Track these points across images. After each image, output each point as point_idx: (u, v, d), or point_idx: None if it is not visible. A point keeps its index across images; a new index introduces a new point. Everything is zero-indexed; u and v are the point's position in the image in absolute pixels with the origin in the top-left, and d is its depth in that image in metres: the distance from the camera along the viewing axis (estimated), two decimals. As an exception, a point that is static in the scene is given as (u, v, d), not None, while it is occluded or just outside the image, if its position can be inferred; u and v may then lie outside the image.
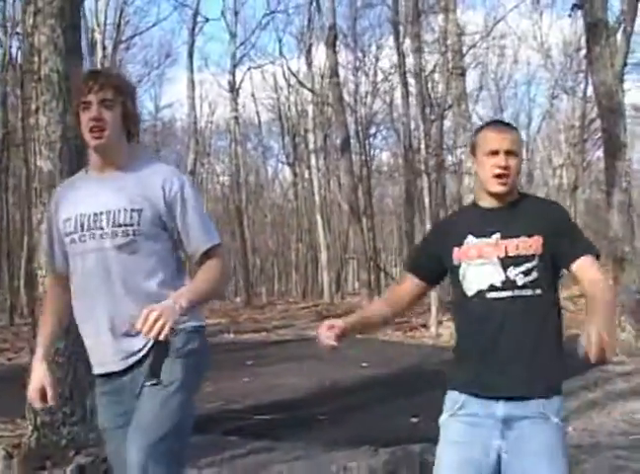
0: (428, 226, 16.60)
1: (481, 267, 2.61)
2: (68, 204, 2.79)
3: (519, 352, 2.55)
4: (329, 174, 33.95)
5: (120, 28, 27.85)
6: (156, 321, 2.42)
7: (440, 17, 20.55)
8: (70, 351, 5.57)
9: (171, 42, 62.19)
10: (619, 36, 13.36)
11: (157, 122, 39.64)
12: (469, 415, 2.61)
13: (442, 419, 2.70)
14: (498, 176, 2.63)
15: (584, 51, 22.63)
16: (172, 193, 2.72)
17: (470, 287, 2.64)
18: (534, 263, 2.56)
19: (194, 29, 27.53)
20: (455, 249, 2.68)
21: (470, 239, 2.66)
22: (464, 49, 18.35)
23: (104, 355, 2.76)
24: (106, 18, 25.77)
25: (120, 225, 2.66)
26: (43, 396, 2.82)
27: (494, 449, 2.56)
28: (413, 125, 24.79)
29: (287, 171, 41.30)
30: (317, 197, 31.46)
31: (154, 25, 42.41)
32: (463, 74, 16.64)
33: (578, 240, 2.63)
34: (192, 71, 27.62)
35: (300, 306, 27.18)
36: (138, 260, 2.69)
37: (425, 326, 15.88)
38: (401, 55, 24.27)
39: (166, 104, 67.36)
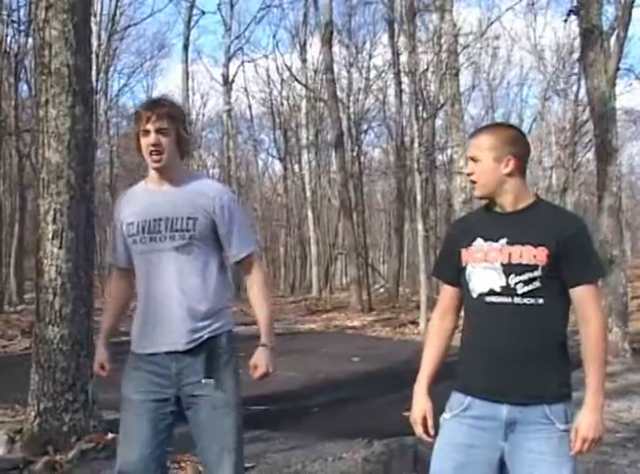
0: (419, 224, 16.74)
1: (484, 270, 2.63)
2: (132, 210, 3.20)
3: (519, 358, 2.56)
4: (320, 169, 34.01)
5: (115, 18, 27.84)
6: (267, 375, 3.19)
7: (435, 16, 20.68)
8: (74, 339, 5.69)
9: (165, 34, 62.15)
10: (612, 41, 13.55)
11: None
12: (474, 417, 2.63)
13: (446, 417, 2.73)
14: (472, 182, 2.72)
15: (576, 55, 22.84)
16: (221, 205, 3.15)
17: (474, 289, 2.67)
18: (537, 273, 2.55)
19: (189, 21, 27.51)
20: (464, 250, 2.70)
21: (478, 242, 2.66)
22: (458, 49, 18.44)
23: (154, 337, 3.12)
24: (102, 8, 25.79)
25: (177, 230, 3.09)
26: (103, 369, 3.33)
27: (497, 451, 2.60)
28: (405, 123, 24.97)
29: (277, 165, 41.38)
30: (308, 193, 31.54)
31: (149, 16, 42.40)
32: (457, 74, 16.75)
33: (585, 261, 2.59)
34: (187, 64, 27.60)
35: (289, 300, 27.24)
36: (192, 259, 3.12)
37: (414, 323, 16.00)
38: (395, 53, 24.40)
39: (159, 95, 67.03)
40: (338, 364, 10.29)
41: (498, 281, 2.60)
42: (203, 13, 29.30)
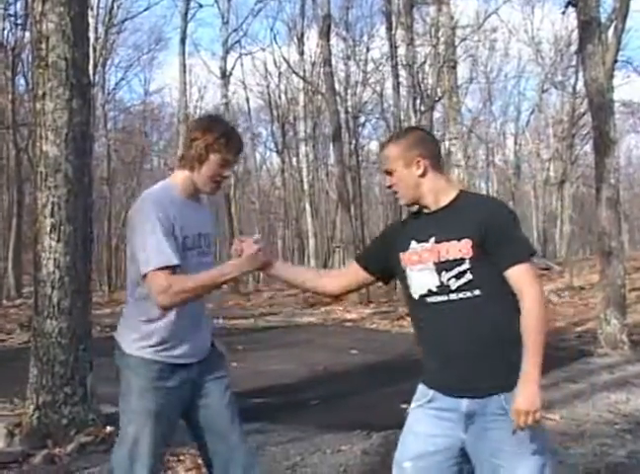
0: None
1: (420, 272, 2.68)
2: (183, 222, 3.12)
3: (465, 352, 2.59)
4: (317, 162, 34.01)
5: (112, 11, 27.75)
6: None
7: (432, 8, 20.65)
8: (72, 332, 5.69)
9: (162, 27, 62.06)
10: (610, 33, 13.53)
11: (146, 107, 39.63)
12: (436, 409, 2.68)
13: (411, 408, 2.79)
14: (394, 193, 2.79)
15: (574, 47, 22.83)
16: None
17: (415, 291, 2.71)
18: (465, 266, 2.58)
19: (186, 14, 27.34)
20: (401, 254, 2.75)
21: (413, 244, 2.72)
22: (456, 41, 18.43)
23: (193, 347, 3.18)
24: (99, 1, 25.72)
25: (209, 246, 3.29)
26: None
27: (458, 442, 2.64)
28: (402, 116, 24.94)
29: (275, 158, 41.35)
30: (306, 186, 31.52)
31: (146, 9, 42.32)
32: (455, 67, 16.74)
33: (510, 244, 2.59)
34: (184, 57, 27.44)
35: (286, 293, 27.21)
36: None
37: (411, 315, 15.99)
38: (393, 46, 24.36)
39: (156, 88, 67.17)
40: (336, 357, 10.30)
41: (433, 281, 2.65)
42: (201, 6, 28.98)
